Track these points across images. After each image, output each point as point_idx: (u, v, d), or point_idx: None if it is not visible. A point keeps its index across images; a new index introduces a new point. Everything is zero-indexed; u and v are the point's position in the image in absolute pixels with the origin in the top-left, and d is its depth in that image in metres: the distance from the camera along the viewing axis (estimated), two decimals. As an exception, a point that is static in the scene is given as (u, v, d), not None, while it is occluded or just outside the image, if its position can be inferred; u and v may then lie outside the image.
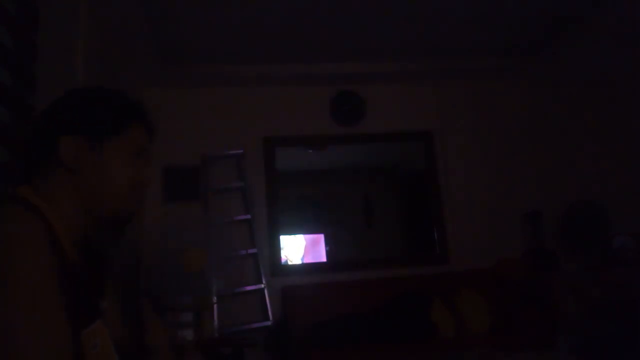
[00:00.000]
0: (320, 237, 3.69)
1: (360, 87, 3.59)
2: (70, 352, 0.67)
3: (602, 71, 3.04)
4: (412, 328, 2.75)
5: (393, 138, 3.64)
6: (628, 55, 2.80)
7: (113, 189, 0.86)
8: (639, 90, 2.77)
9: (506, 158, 3.61)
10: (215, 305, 2.99)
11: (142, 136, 0.92)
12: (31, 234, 0.69)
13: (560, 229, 3.30)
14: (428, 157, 3.60)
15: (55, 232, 0.77)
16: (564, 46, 3.27)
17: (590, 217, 3.07)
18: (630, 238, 2.83)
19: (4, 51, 1.28)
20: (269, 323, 3.05)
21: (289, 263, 3.46)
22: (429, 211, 3.55)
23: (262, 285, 3.13)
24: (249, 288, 3.13)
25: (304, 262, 3.55)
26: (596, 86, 3.11)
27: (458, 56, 3.44)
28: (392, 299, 2.96)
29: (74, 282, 0.77)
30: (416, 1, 2.71)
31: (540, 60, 3.46)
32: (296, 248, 3.57)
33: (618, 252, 2.88)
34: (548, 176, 3.53)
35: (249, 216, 3.24)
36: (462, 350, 2.69)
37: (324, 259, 3.63)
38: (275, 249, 3.32)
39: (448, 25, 3.00)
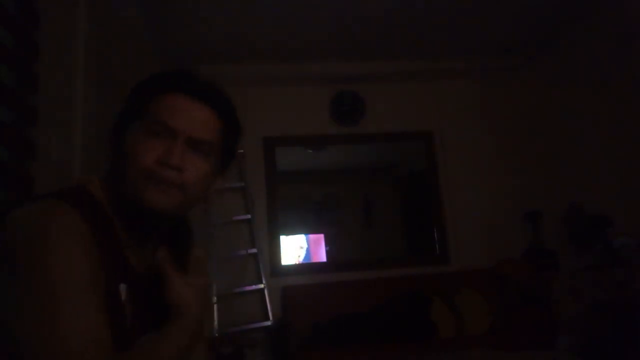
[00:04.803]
0: (320, 237, 3.69)
1: (360, 87, 3.59)
2: (109, 340, 0.66)
3: (602, 71, 3.04)
4: (412, 328, 2.75)
5: (393, 138, 3.64)
6: (628, 55, 2.80)
7: (125, 178, 0.76)
8: (639, 89, 2.77)
9: (506, 158, 3.61)
10: (215, 305, 2.99)
11: (162, 111, 0.78)
12: (69, 223, 0.68)
13: (560, 229, 3.30)
14: (428, 157, 3.60)
15: (111, 226, 0.77)
16: (564, 46, 3.26)
17: (590, 217, 3.07)
18: (630, 238, 2.82)
19: (5, 51, 1.28)
20: (269, 323, 3.05)
21: (297, 263, 3.48)
22: (429, 211, 3.54)
23: (262, 285, 3.13)
24: (249, 288, 3.13)
25: (310, 262, 3.56)
26: (596, 86, 3.11)
27: (458, 56, 3.44)
28: (392, 299, 2.96)
29: (133, 289, 0.77)
30: (416, 1, 2.71)
31: (540, 60, 3.47)
32: (300, 248, 3.58)
33: (618, 252, 2.88)
34: (548, 176, 3.52)
35: (249, 216, 3.24)
36: (462, 350, 2.69)
37: (324, 259, 3.63)
38: (275, 249, 3.32)
39: (448, 25, 3.00)
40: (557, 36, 3.20)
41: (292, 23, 2.86)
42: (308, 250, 3.60)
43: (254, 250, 3.20)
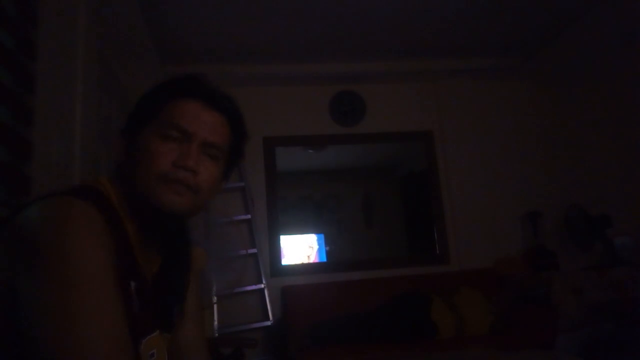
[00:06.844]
0: (320, 237, 3.69)
1: (360, 87, 3.59)
2: (129, 340, 0.64)
3: (602, 71, 3.04)
4: (412, 328, 2.75)
5: (393, 138, 3.64)
6: (628, 55, 2.80)
7: (138, 180, 0.77)
8: (639, 89, 2.77)
9: (506, 158, 3.61)
10: (215, 305, 2.99)
11: (177, 115, 0.79)
12: (89, 218, 0.67)
13: (560, 229, 3.30)
14: (428, 157, 3.60)
15: (122, 225, 0.76)
16: (564, 46, 3.26)
17: (591, 217, 3.07)
18: (630, 238, 2.83)
19: (3, 51, 1.28)
20: (269, 323, 3.05)
21: (310, 262, 3.51)
22: (429, 211, 3.55)
23: (262, 285, 3.13)
24: (249, 288, 3.14)
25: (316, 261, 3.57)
26: (596, 86, 3.11)
27: (458, 56, 3.44)
28: (392, 299, 2.96)
29: (141, 288, 0.77)
30: (416, 1, 2.71)
31: (540, 60, 3.46)
32: (309, 248, 3.59)
33: (618, 252, 2.88)
34: (548, 176, 3.53)
35: (249, 216, 3.24)
36: (462, 350, 2.68)
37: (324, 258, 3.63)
38: (275, 249, 3.32)
39: (448, 25, 3.00)
40: (556, 36, 3.20)
41: (292, 23, 2.86)
42: (323, 249, 3.61)
43: (254, 250, 3.20)
